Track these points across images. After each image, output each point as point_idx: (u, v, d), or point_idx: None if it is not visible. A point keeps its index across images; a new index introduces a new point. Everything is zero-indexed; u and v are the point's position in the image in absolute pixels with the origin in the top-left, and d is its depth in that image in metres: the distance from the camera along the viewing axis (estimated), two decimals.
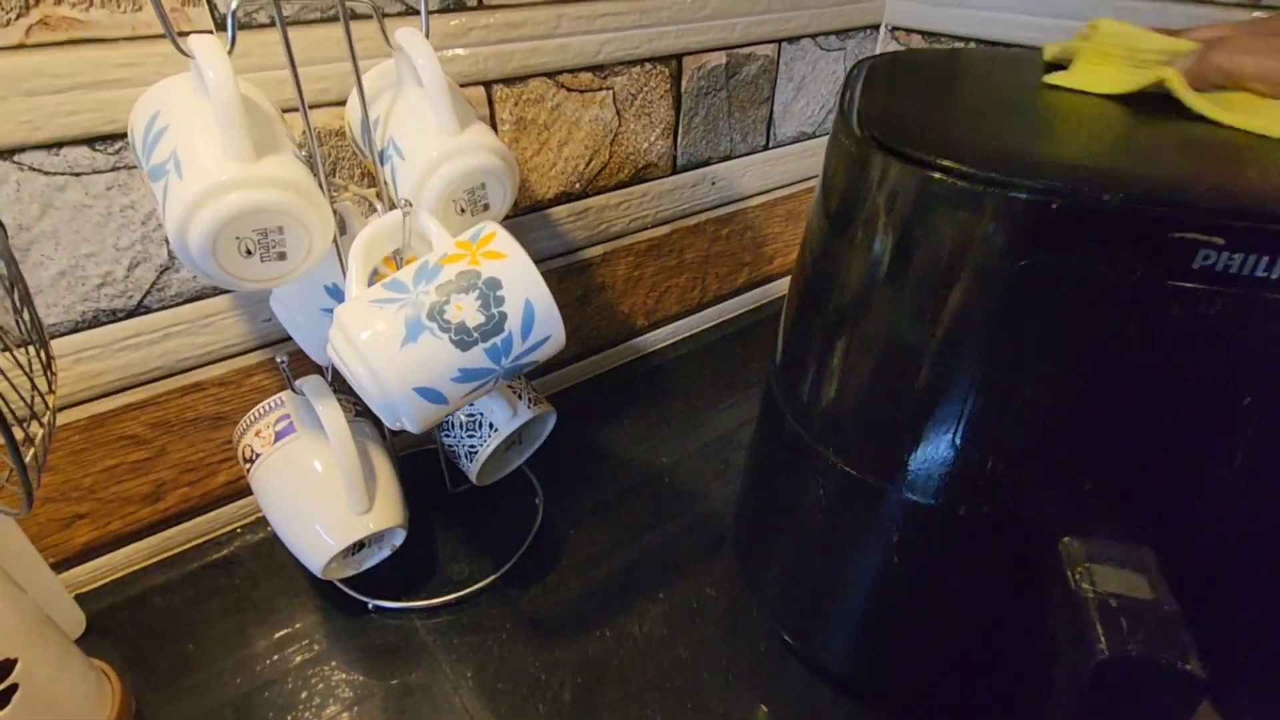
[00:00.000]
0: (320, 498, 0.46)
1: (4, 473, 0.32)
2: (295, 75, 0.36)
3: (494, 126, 0.57)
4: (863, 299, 0.35)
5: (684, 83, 0.66)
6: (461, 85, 0.53)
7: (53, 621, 0.40)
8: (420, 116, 0.41)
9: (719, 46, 0.67)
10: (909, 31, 0.78)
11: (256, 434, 0.48)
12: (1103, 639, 0.28)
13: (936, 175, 0.29)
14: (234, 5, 0.34)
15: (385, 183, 0.43)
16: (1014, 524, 0.34)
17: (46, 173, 0.41)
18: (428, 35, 0.40)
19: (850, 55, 0.79)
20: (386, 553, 0.51)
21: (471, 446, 0.52)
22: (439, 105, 0.39)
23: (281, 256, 0.36)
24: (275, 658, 0.48)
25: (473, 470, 0.53)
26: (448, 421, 0.53)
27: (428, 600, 0.51)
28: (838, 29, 0.76)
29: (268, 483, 0.47)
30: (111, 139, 0.42)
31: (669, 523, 0.58)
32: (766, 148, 0.78)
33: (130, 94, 0.40)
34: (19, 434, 0.31)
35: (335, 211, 0.40)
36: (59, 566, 0.50)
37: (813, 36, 0.74)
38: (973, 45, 0.72)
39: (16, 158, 0.40)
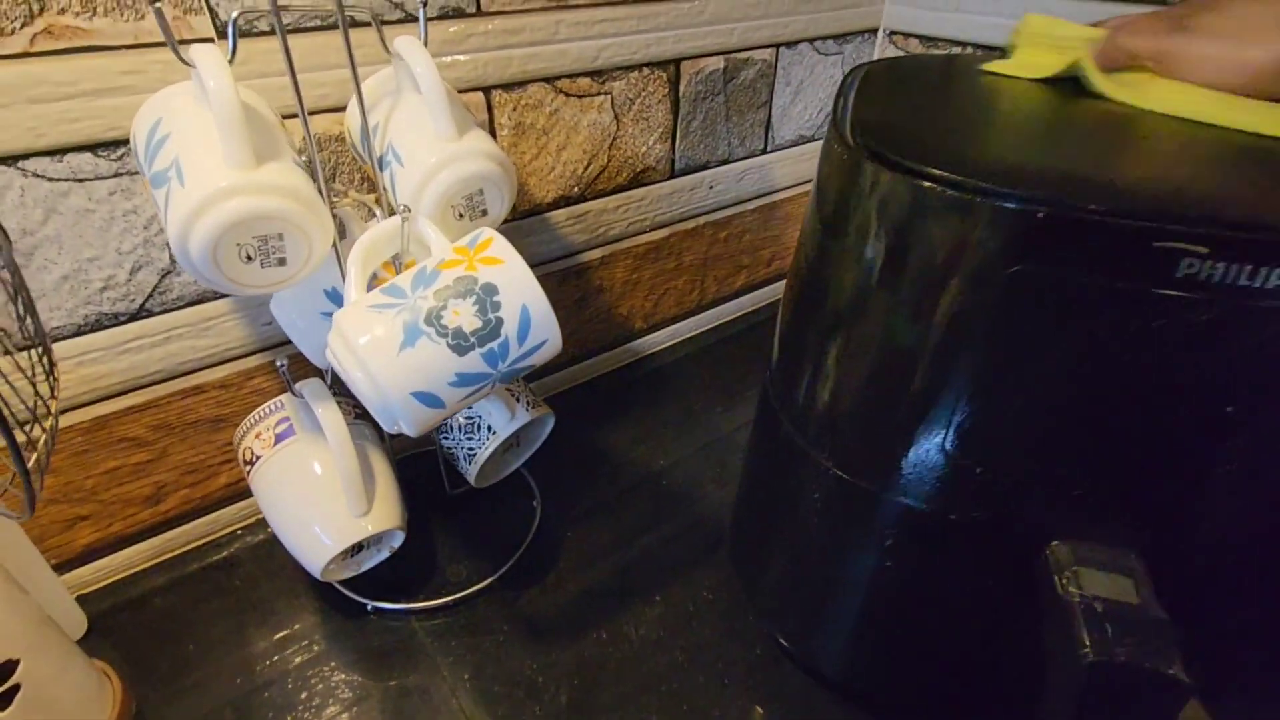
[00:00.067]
0: (320, 500, 0.46)
1: (6, 476, 0.32)
2: (295, 82, 0.37)
3: (493, 131, 0.57)
4: (855, 305, 0.35)
5: (682, 87, 0.67)
6: (460, 91, 0.54)
7: (54, 622, 0.40)
8: (419, 123, 0.41)
9: (717, 51, 0.67)
10: (907, 36, 0.78)
11: (257, 436, 0.48)
12: (1088, 643, 0.28)
13: (926, 184, 0.29)
14: (235, 14, 0.35)
15: (384, 188, 0.43)
16: (1006, 528, 0.34)
17: (50, 179, 0.41)
18: (426, 43, 0.41)
19: (848, 60, 0.79)
20: (385, 554, 0.51)
21: (470, 449, 0.52)
22: (437, 112, 0.40)
23: (281, 262, 0.37)
24: (275, 658, 0.48)
25: (471, 472, 0.53)
26: (446, 424, 0.54)
27: (426, 602, 0.52)
28: (835, 33, 0.76)
29: (268, 485, 0.48)
30: (114, 145, 0.42)
31: (666, 525, 0.59)
32: (764, 151, 0.78)
33: (133, 101, 0.40)
34: (21, 437, 0.31)
35: (335, 217, 0.40)
36: (61, 568, 0.51)
37: (810, 41, 0.74)
38: (970, 50, 0.73)
39: (20, 164, 0.40)
